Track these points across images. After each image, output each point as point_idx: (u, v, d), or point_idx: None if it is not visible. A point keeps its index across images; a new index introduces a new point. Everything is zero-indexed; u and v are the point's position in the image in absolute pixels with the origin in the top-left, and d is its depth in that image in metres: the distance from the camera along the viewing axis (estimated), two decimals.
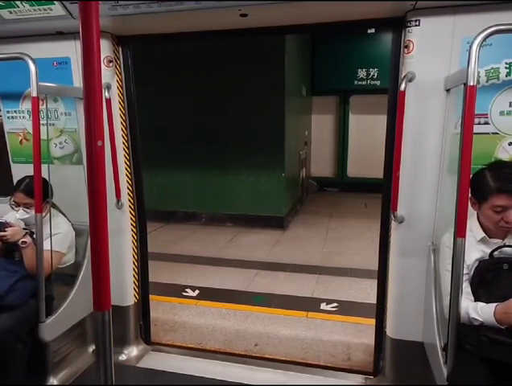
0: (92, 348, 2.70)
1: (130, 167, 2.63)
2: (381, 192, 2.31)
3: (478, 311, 1.60)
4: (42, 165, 2.08)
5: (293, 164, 7.36)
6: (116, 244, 2.57)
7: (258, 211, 6.57)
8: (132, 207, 2.68)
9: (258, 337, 3.11)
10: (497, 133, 1.93)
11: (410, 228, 2.14)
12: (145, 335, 2.88)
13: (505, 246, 1.70)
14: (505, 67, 1.87)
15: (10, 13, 2.13)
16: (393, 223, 2.21)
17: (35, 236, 2.20)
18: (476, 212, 1.79)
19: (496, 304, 1.57)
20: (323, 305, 3.66)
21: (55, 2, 2.03)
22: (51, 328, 2.23)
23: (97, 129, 0.81)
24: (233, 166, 6.51)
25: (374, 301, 2.48)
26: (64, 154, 2.60)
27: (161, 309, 3.55)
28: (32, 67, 2.03)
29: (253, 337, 3.11)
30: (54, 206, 2.44)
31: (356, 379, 2.53)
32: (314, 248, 5.55)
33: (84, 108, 0.81)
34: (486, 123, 1.93)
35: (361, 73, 9.17)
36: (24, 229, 2.27)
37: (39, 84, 2.05)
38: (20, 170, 2.57)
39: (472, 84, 1.48)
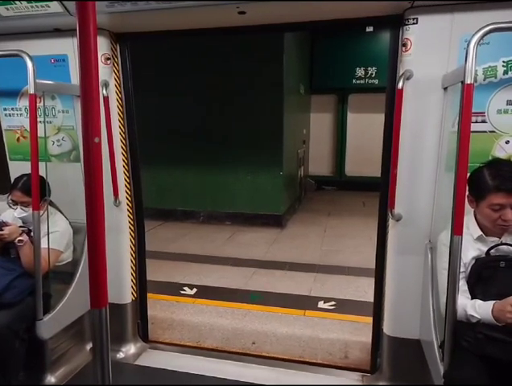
0: (89, 346, 2.70)
1: (127, 165, 2.63)
2: (379, 190, 2.31)
3: (476, 308, 1.61)
4: (39, 163, 2.07)
5: (291, 162, 7.37)
6: (114, 242, 2.57)
7: (257, 209, 6.57)
8: (130, 204, 2.68)
9: (256, 335, 3.11)
10: (494, 132, 1.94)
11: (408, 226, 2.15)
12: (143, 333, 2.88)
13: (501, 244, 1.71)
14: (503, 66, 1.87)
15: (8, 9, 2.12)
16: (390, 221, 2.21)
17: (32, 234, 2.19)
18: (473, 210, 1.79)
19: (494, 301, 1.58)
20: (320, 304, 3.66)
21: None
22: (49, 326, 2.22)
23: (94, 126, 0.81)
24: (231, 165, 6.51)
25: (372, 299, 2.49)
26: (61, 152, 2.59)
27: (159, 307, 3.55)
28: (29, 64, 2.02)
29: (250, 335, 3.11)
30: (51, 204, 2.43)
31: (353, 376, 2.53)
32: (312, 246, 5.56)
33: (80, 106, 0.81)
34: (483, 121, 1.93)
35: (360, 72, 9.19)
36: (21, 227, 2.26)
37: (37, 81, 2.04)
38: (17, 168, 2.56)
39: (469, 82, 1.48)
